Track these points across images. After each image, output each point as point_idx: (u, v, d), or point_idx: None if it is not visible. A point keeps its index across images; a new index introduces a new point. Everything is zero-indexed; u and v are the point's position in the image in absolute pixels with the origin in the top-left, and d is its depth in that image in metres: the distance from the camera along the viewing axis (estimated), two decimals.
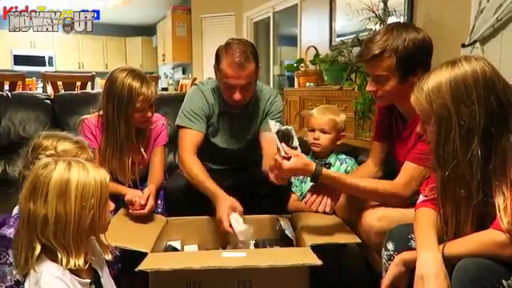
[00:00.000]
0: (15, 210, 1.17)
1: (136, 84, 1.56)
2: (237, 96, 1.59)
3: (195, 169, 1.58)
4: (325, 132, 1.69)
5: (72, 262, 0.90)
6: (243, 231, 1.40)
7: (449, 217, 1.00)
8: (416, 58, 1.25)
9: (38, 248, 0.89)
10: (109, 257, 1.03)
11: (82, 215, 0.91)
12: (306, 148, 1.80)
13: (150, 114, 1.63)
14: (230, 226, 1.41)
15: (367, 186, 1.30)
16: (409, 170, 1.27)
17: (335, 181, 1.30)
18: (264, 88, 1.80)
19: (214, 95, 1.73)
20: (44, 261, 0.90)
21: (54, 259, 0.90)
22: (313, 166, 1.28)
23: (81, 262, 0.91)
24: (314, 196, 1.32)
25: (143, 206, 1.49)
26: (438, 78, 0.97)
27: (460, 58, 1.00)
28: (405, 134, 1.40)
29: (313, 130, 1.72)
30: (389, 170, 1.54)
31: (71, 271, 0.91)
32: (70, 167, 0.92)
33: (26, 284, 0.89)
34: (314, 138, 1.70)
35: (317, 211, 1.33)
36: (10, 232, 1.11)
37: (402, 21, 2.77)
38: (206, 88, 1.76)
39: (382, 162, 1.54)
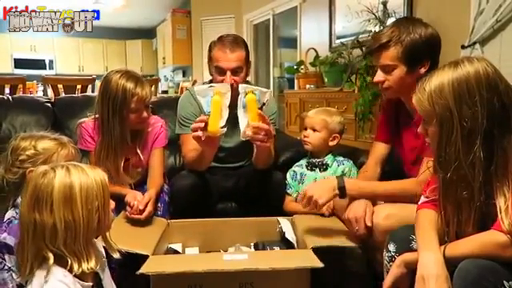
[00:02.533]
0: (7, 215, 1.17)
1: (130, 85, 1.56)
2: (228, 80, 1.65)
3: (194, 154, 1.66)
4: (315, 130, 1.73)
5: (85, 266, 0.90)
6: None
7: (450, 218, 1.00)
8: (422, 50, 1.28)
9: (52, 258, 0.88)
10: (117, 255, 1.03)
11: (90, 218, 0.91)
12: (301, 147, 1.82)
13: (145, 114, 1.63)
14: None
15: (396, 188, 1.30)
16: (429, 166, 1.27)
17: (361, 189, 1.32)
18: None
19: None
20: (48, 266, 0.89)
21: (59, 264, 0.90)
22: (332, 182, 1.32)
23: (92, 264, 0.91)
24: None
25: (141, 212, 1.49)
26: (440, 78, 0.97)
27: (462, 58, 1.00)
28: (412, 129, 1.37)
29: (306, 129, 1.77)
30: (389, 170, 1.56)
31: (75, 275, 0.91)
32: (70, 172, 0.91)
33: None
34: (304, 136, 1.75)
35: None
36: (3, 237, 1.11)
37: None
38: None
39: (382, 163, 1.54)
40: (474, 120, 0.92)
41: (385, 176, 1.58)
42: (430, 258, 0.95)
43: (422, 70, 1.29)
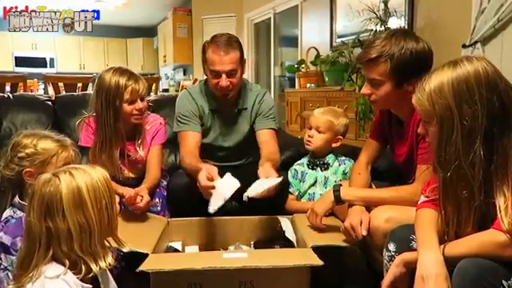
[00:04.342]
0: (4, 214, 1.17)
1: (123, 78, 1.60)
2: (223, 82, 1.64)
3: (191, 161, 1.63)
4: (319, 131, 1.71)
5: (103, 264, 0.91)
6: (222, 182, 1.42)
7: (450, 217, 1.00)
8: (411, 67, 1.26)
9: (67, 264, 0.89)
10: (126, 249, 1.04)
11: (101, 217, 0.92)
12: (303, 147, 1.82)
13: (141, 105, 1.65)
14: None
15: (386, 196, 1.32)
16: (422, 171, 1.28)
17: (355, 199, 1.34)
18: (253, 86, 1.85)
19: (203, 96, 1.78)
20: (50, 265, 0.89)
21: (71, 267, 0.90)
22: (330, 193, 1.36)
23: (109, 259, 0.92)
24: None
25: (135, 200, 1.51)
26: (439, 78, 0.97)
27: (462, 58, 0.99)
28: (404, 136, 1.41)
29: (310, 128, 1.75)
30: (384, 168, 1.58)
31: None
32: (74, 176, 0.91)
33: (28, 286, 0.88)
34: (309, 136, 1.73)
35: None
36: (0, 236, 1.11)
37: (402, 22, 2.78)
38: (194, 90, 1.81)
39: (373, 162, 1.56)
40: (474, 119, 0.92)
41: (381, 177, 1.59)
42: (429, 258, 0.95)
43: (410, 88, 1.25)
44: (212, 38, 1.69)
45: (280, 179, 1.40)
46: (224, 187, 1.41)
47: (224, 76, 1.64)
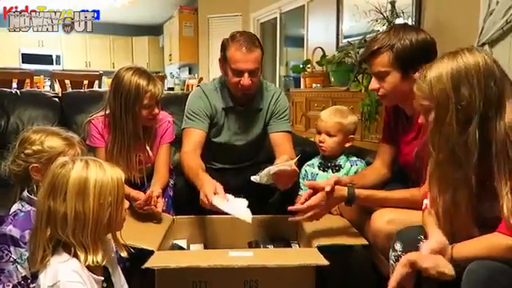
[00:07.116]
0: (13, 208, 1.18)
1: (143, 82, 1.58)
2: (246, 81, 1.62)
3: (191, 163, 1.59)
4: (330, 135, 1.68)
5: (90, 259, 0.92)
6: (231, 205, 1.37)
7: (442, 204, 1.01)
8: (414, 55, 1.28)
9: (59, 245, 0.92)
10: (124, 254, 1.04)
11: (100, 213, 0.93)
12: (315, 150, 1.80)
13: (156, 110, 1.64)
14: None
15: (399, 197, 1.30)
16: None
17: (368, 198, 1.31)
18: (268, 86, 1.83)
19: (216, 94, 1.76)
20: (62, 256, 0.92)
21: (73, 255, 0.92)
22: (344, 190, 1.30)
23: (99, 258, 0.93)
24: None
25: (148, 204, 1.50)
26: (440, 67, 0.98)
27: (463, 48, 1.00)
28: (410, 135, 1.39)
29: (319, 133, 1.72)
30: (396, 170, 1.54)
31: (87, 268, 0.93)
32: (88, 166, 0.94)
33: (42, 276, 0.90)
34: (320, 141, 1.70)
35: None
36: (9, 229, 1.11)
37: (409, 23, 2.76)
38: (208, 88, 1.79)
39: (390, 164, 1.53)
40: (471, 103, 0.93)
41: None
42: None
43: (417, 76, 1.26)
44: (233, 37, 1.66)
45: (285, 167, 1.36)
46: (236, 208, 1.37)
47: (246, 75, 1.61)
